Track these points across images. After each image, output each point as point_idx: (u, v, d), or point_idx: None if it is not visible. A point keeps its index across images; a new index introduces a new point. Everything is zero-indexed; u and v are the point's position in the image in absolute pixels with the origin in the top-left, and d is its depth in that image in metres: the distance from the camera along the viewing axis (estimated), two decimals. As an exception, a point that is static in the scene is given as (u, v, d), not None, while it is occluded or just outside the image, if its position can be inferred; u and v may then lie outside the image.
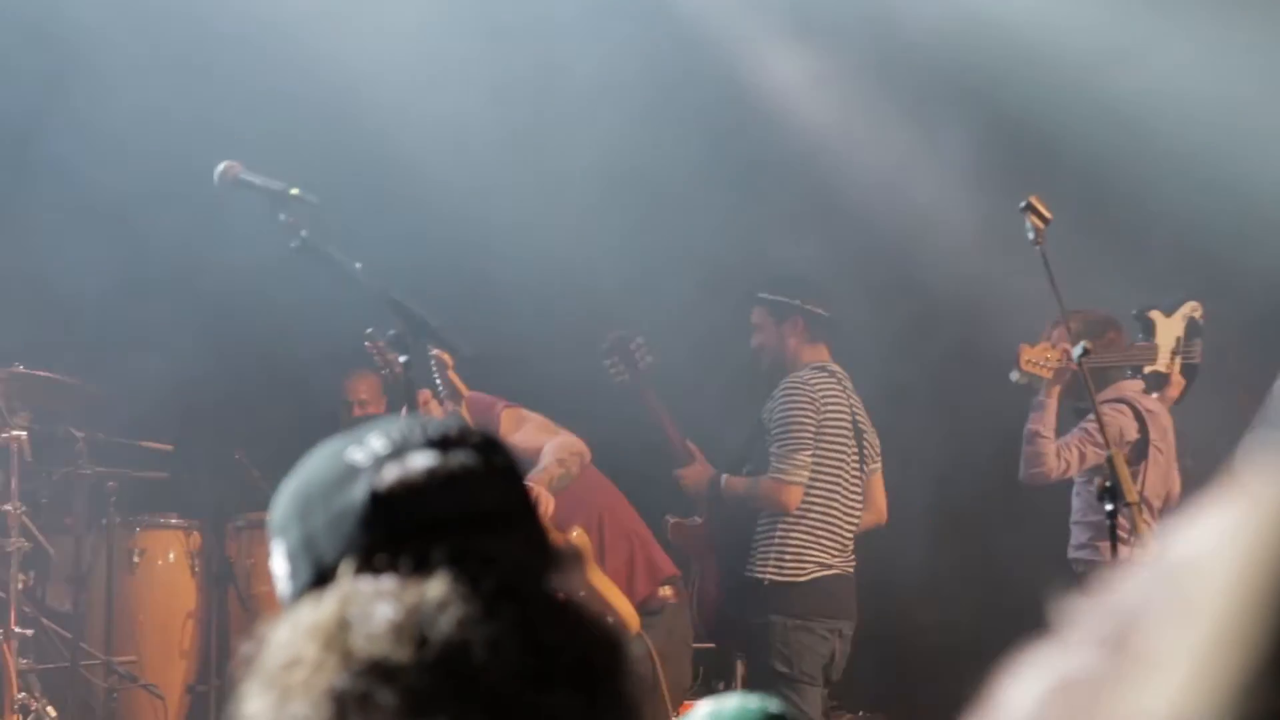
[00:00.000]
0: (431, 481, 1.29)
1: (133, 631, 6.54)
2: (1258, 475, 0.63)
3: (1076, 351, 4.92)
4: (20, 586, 5.92)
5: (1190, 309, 5.78)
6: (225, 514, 6.79)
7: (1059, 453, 5.31)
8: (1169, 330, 5.79)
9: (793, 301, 5.58)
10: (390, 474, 1.28)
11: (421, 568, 1.22)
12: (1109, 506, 4.77)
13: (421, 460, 1.31)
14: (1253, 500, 0.63)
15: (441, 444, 1.32)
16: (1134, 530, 4.90)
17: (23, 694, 5.79)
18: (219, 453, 6.89)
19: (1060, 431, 5.38)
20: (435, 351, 5.44)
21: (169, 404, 6.79)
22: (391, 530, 1.29)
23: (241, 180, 4.62)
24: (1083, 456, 5.28)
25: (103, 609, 6.40)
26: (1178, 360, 5.77)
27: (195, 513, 6.87)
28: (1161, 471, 5.42)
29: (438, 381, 5.60)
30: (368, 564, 1.26)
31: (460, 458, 1.32)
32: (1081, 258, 6.18)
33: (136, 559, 6.62)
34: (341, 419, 6.67)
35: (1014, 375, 5.27)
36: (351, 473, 1.28)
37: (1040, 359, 5.23)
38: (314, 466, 1.32)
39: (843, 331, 5.65)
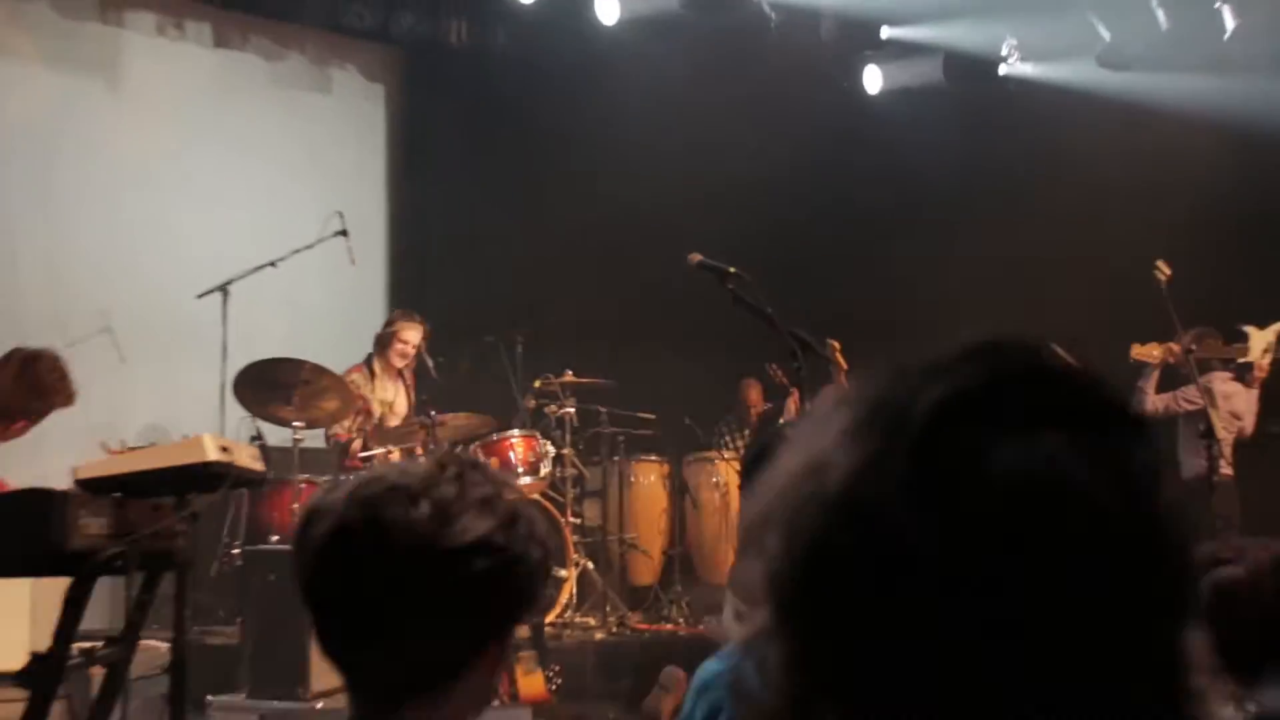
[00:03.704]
0: None
1: (633, 520, 9.09)
2: None
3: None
4: (573, 495, 8.42)
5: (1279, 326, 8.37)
6: (682, 453, 9.39)
7: (1153, 402, 8.07)
8: (1260, 339, 8.34)
9: None
10: None
11: None
12: (1205, 441, 7.82)
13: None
14: None
15: None
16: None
17: (576, 554, 8.13)
18: (679, 419, 9.50)
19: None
20: (831, 341, 7.11)
21: (652, 393, 9.23)
22: None
23: (703, 264, 5.63)
24: (1167, 408, 8.12)
25: (616, 508, 9.03)
26: (1268, 357, 8.34)
27: (665, 453, 9.38)
28: (1223, 424, 8.22)
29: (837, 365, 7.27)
30: None
31: None
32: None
33: (632, 480, 9.18)
34: (738, 414, 9.59)
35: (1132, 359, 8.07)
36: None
37: (1145, 353, 8.07)
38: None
39: None
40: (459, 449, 7.75)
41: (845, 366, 7.52)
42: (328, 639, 1.71)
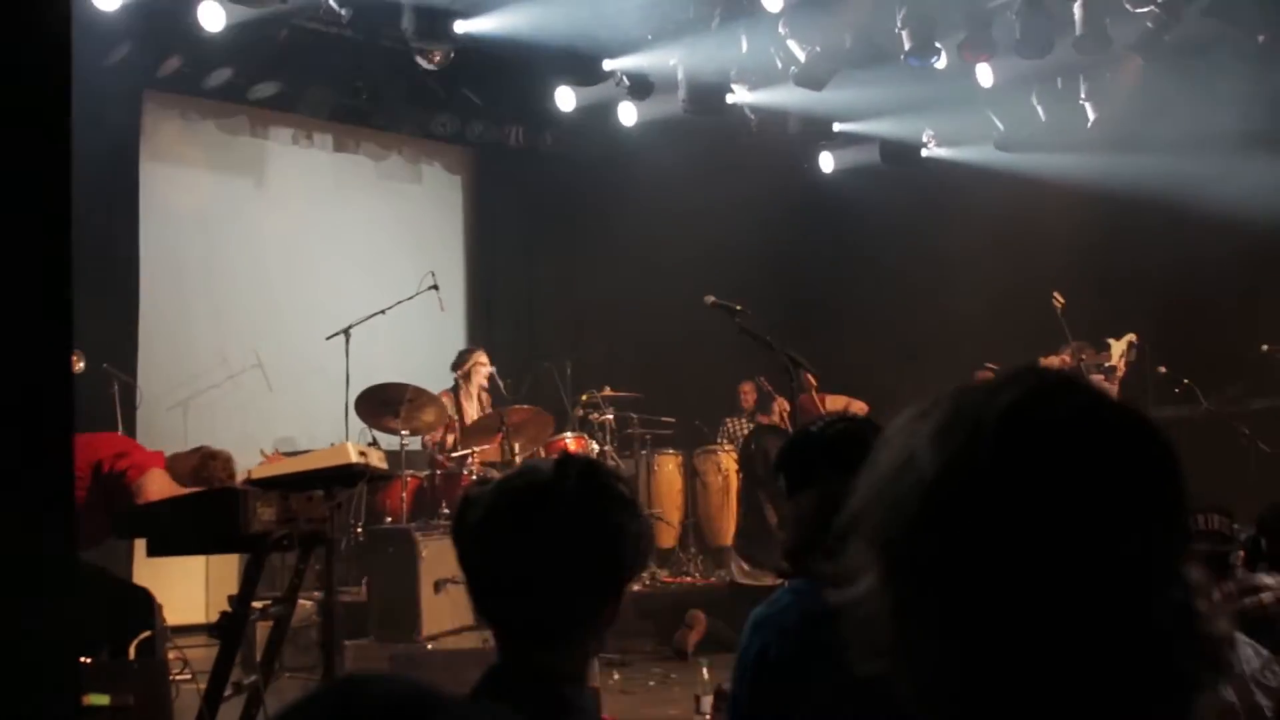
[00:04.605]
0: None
1: (655, 497, 8.93)
2: None
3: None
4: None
5: (1130, 337, 8.42)
6: (693, 448, 9.23)
7: None
8: (1118, 347, 8.36)
9: None
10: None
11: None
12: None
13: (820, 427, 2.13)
14: None
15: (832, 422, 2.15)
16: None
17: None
18: (691, 422, 9.39)
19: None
20: (805, 372, 6.47)
21: (670, 402, 9.26)
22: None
23: (716, 303, 5.66)
24: None
25: (645, 489, 8.86)
26: (1123, 360, 8.34)
27: (680, 447, 9.28)
28: None
29: (807, 379, 7.06)
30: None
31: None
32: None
33: (655, 469, 9.00)
34: (736, 408, 9.49)
35: None
36: None
37: (1050, 362, 7.90)
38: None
39: None
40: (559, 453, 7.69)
41: (814, 375, 7.38)
42: (481, 599, 1.64)
